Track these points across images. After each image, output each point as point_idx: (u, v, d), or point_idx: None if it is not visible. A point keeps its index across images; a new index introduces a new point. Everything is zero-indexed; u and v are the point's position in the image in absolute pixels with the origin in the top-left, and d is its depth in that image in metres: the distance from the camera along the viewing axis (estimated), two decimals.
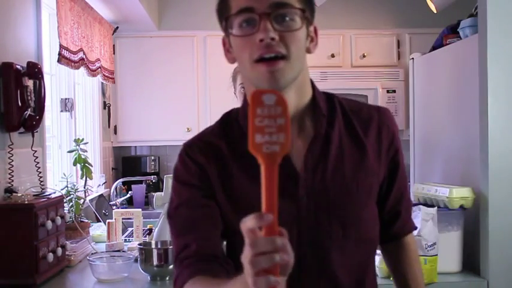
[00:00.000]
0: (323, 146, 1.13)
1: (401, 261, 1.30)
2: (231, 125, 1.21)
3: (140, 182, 4.20)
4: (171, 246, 2.08)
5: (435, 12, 3.34)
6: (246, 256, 0.78)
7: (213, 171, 1.14)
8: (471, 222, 2.13)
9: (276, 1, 1.05)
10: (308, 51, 1.13)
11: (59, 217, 2.08)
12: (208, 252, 1.09)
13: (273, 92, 0.81)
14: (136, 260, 2.10)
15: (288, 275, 0.81)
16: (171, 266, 2.02)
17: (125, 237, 2.73)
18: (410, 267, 1.29)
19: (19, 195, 2.01)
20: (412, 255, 1.30)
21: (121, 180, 4.08)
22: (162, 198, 2.41)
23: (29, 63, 2.26)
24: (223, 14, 1.12)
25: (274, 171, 0.79)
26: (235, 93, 2.53)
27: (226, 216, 1.13)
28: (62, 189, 2.61)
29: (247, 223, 0.78)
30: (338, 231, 1.10)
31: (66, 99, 3.26)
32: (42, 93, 2.31)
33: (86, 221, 2.68)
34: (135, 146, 4.68)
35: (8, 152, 2.12)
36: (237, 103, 2.56)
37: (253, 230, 0.78)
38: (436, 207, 2.04)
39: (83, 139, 2.81)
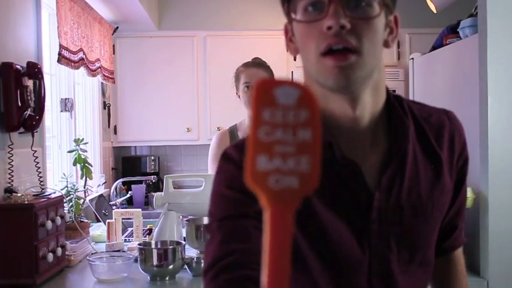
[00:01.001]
0: (399, 162, 0.96)
1: (450, 276, 1.15)
2: None
3: (140, 182, 4.20)
4: (171, 246, 2.08)
5: (435, 12, 3.34)
6: None
7: None
8: (471, 222, 2.13)
9: None
10: (386, 45, 0.94)
11: (58, 217, 2.08)
12: (254, 261, 0.85)
13: (294, 85, 0.49)
14: (136, 260, 2.10)
15: None
16: (170, 266, 2.03)
17: (125, 237, 2.73)
18: (459, 282, 1.15)
19: (19, 195, 2.01)
20: (461, 269, 1.16)
21: (121, 180, 4.08)
22: (162, 198, 2.41)
23: (29, 63, 2.26)
24: None
25: (286, 222, 0.47)
26: (237, 94, 2.53)
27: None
28: (62, 189, 2.61)
29: None
30: (405, 255, 0.96)
31: (66, 99, 3.26)
32: (42, 93, 2.31)
33: (86, 221, 2.68)
34: (135, 146, 4.68)
35: (8, 152, 2.12)
36: (239, 103, 2.56)
37: None
38: None
39: (82, 139, 2.81)
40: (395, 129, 0.95)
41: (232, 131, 2.59)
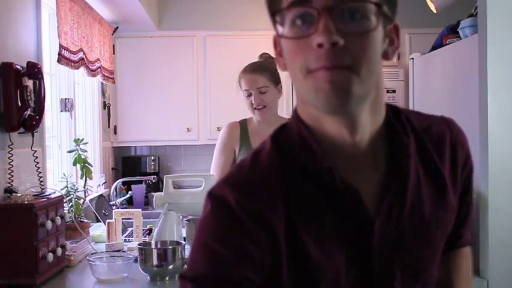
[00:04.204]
0: (400, 183, 0.87)
1: (449, 274, 1.05)
2: (287, 158, 0.88)
3: (140, 182, 4.20)
4: (171, 246, 2.08)
5: (435, 12, 3.34)
6: None
7: (280, 229, 0.83)
8: None
9: None
10: (386, 57, 0.84)
11: (58, 217, 2.08)
12: None
13: None
14: (136, 260, 2.10)
15: None
16: (170, 266, 2.02)
17: (125, 237, 2.72)
18: (456, 282, 1.05)
19: (19, 195, 2.01)
20: (462, 268, 1.06)
21: (121, 180, 4.08)
22: (162, 198, 2.41)
23: (28, 63, 2.26)
24: (272, 6, 0.83)
25: None
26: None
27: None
28: (61, 189, 2.61)
29: None
30: (409, 280, 0.89)
31: (66, 99, 3.26)
32: (42, 93, 2.31)
33: (86, 221, 2.68)
34: (135, 146, 4.68)
35: (8, 152, 2.12)
36: (238, 103, 2.56)
37: None
38: None
39: (82, 139, 2.81)
40: (394, 149, 0.87)
41: (243, 124, 2.58)
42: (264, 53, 2.59)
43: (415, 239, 0.88)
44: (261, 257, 0.82)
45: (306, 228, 0.84)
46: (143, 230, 2.67)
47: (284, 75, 2.87)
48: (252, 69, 2.46)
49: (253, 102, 2.43)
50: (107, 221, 2.59)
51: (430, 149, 0.91)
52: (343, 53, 0.75)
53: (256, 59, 2.59)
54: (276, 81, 2.48)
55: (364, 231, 0.85)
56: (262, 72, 2.44)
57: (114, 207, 3.35)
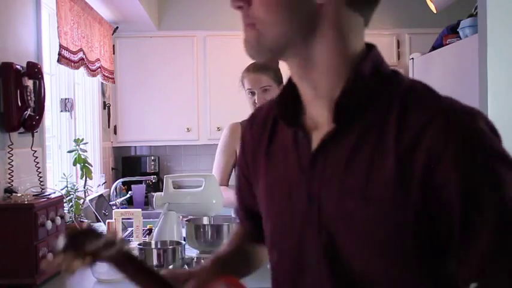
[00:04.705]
0: (337, 144, 0.84)
1: None
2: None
3: (140, 182, 4.20)
4: (171, 246, 2.08)
5: (435, 12, 3.35)
6: None
7: (249, 160, 1.05)
8: None
9: None
10: (320, 9, 0.83)
11: (58, 217, 2.08)
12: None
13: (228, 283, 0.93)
14: None
15: None
16: (170, 266, 2.02)
17: (125, 237, 2.73)
18: None
19: (19, 195, 2.01)
20: None
21: (121, 180, 4.07)
22: (162, 198, 2.41)
23: (28, 63, 2.26)
24: None
25: None
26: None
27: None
28: (61, 189, 2.61)
29: None
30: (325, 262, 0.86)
31: (66, 99, 3.26)
32: (42, 93, 2.31)
33: (86, 221, 2.68)
34: (135, 146, 4.68)
35: (8, 152, 2.12)
36: (239, 103, 2.56)
37: None
38: None
39: (82, 139, 2.82)
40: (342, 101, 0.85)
41: (244, 125, 2.59)
42: None
43: (335, 215, 0.84)
44: (244, 163, 1.07)
45: (269, 168, 0.97)
46: (143, 230, 2.67)
47: (285, 74, 2.89)
48: (256, 68, 2.47)
49: (256, 101, 2.44)
50: (107, 221, 2.59)
51: (390, 125, 0.81)
52: (247, 14, 0.84)
53: None
54: (279, 80, 2.49)
55: (297, 178, 0.90)
56: (265, 71, 2.45)
57: (114, 207, 3.35)
